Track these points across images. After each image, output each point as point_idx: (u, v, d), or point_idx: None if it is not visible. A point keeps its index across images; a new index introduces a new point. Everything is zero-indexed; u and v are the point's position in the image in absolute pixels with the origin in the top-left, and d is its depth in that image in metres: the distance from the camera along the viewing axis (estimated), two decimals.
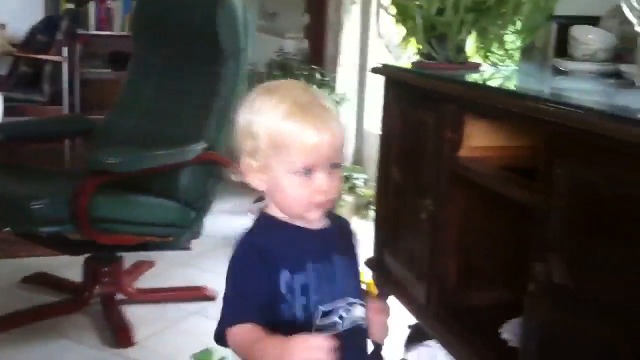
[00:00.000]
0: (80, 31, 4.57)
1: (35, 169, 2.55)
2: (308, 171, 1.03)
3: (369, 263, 2.00)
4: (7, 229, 2.26)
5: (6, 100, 3.27)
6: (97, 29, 5.31)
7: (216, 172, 2.33)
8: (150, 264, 2.66)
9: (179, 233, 2.26)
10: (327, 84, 3.69)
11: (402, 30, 2.17)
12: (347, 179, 3.03)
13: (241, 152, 1.07)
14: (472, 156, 1.55)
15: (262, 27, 5.52)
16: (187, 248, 2.85)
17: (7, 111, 3.24)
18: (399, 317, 1.86)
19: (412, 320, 1.84)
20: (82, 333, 2.18)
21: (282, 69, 3.77)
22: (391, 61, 2.21)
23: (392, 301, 1.89)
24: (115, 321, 2.19)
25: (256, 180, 1.07)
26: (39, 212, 1.93)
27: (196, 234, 2.34)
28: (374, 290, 2.14)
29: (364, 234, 3.04)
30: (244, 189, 3.50)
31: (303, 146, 1.01)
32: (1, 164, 2.38)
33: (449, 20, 1.71)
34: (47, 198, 1.96)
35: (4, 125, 2.47)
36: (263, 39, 5.14)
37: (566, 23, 1.75)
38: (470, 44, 1.84)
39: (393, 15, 2.26)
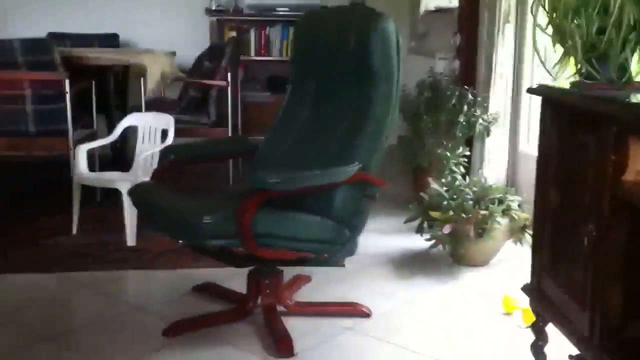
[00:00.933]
0: (242, 57, 4.87)
1: (202, 187, 2.76)
2: None
3: (526, 289, 1.97)
4: (180, 241, 2.48)
5: (176, 122, 3.56)
6: (257, 55, 5.66)
7: (369, 192, 2.40)
8: (307, 279, 2.78)
9: (334, 250, 2.34)
10: (480, 105, 3.67)
11: (560, 50, 2.13)
12: (500, 201, 2.98)
13: None
14: (637, 180, 1.49)
15: (412, 48, 5.59)
16: (342, 265, 2.95)
17: (177, 132, 3.52)
18: (560, 346, 1.81)
19: (574, 350, 1.78)
20: (245, 341, 2.31)
21: (433, 89, 3.80)
22: (548, 81, 2.16)
23: (551, 329, 1.84)
24: (277, 331, 2.29)
25: None
26: (209, 227, 2.09)
27: (351, 252, 2.41)
28: (529, 318, 2.10)
29: (519, 258, 3.00)
30: (395, 209, 3.58)
31: None
32: (174, 182, 2.60)
33: (611, 39, 1.66)
34: (216, 213, 2.11)
35: (176, 146, 2.68)
36: (413, 59, 5.21)
37: None
38: (634, 63, 1.77)
39: (550, 35, 2.22)
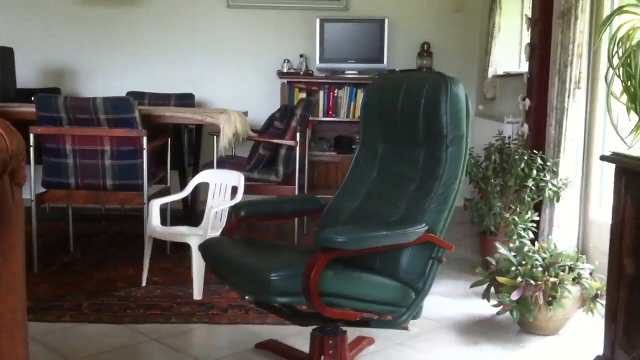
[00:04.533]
0: (310, 117, 4.98)
1: (270, 243, 2.81)
2: None
3: None
4: (247, 297, 2.51)
5: (246, 179, 3.65)
6: (325, 115, 5.79)
7: (436, 254, 2.38)
8: (370, 341, 2.76)
9: (399, 312, 2.32)
10: (549, 169, 3.62)
11: (634, 118, 2.11)
12: (571, 268, 2.91)
13: None
14: None
15: (480, 111, 5.60)
16: (406, 328, 2.92)
17: (246, 189, 3.61)
18: None
19: None
20: None
21: (501, 153, 3.78)
22: (621, 149, 2.14)
23: None
24: None
25: None
26: (276, 284, 2.11)
27: (415, 315, 2.39)
28: None
29: (589, 329, 2.89)
30: (461, 272, 3.54)
31: None
32: (243, 238, 2.65)
33: None
34: (284, 271, 2.13)
35: (246, 203, 2.75)
36: (481, 123, 5.22)
37: None
38: None
39: (625, 103, 2.21)
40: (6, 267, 1.35)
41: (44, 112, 3.63)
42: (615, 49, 2.22)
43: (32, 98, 3.73)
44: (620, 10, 2.33)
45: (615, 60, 2.22)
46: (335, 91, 5.78)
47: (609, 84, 2.12)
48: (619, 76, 2.05)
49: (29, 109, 3.81)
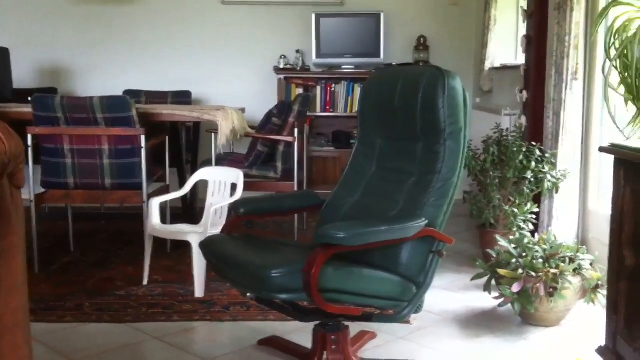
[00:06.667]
0: (308, 113, 4.97)
1: (270, 240, 2.81)
2: None
3: (600, 351, 1.91)
4: (248, 294, 2.52)
5: (245, 176, 3.65)
6: (322, 111, 5.79)
7: (436, 248, 2.39)
8: (372, 335, 2.76)
9: (401, 307, 2.33)
10: (548, 161, 3.63)
11: (632, 109, 2.11)
12: (571, 260, 2.91)
13: None
14: None
15: (477, 104, 5.60)
16: (407, 322, 2.92)
17: (245, 186, 3.61)
18: None
19: None
20: None
21: (499, 145, 3.78)
22: (620, 140, 2.14)
23: None
24: None
25: None
26: (277, 280, 2.11)
27: (417, 309, 2.39)
28: None
29: (590, 319, 2.90)
30: (461, 265, 3.55)
31: None
32: (243, 235, 2.65)
33: None
34: (285, 267, 2.14)
35: (245, 200, 2.74)
36: (479, 115, 5.22)
37: None
38: None
39: (622, 94, 2.21)
40: (7, 268, 1.35)
41: (41, 112, 3.62)
42: (612, 40, 2.22)
43: (29, 98, 3.72)
44: (615, 2, 2.33)
45: (612, 52, 2.22)
46: (333, 86, 5.78)
47: (606, 76, 2.12)
48: (616, 68, 2.06)
49: (26, 109, 3.80)
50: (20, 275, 1.40)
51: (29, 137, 3.61)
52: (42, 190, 3.78)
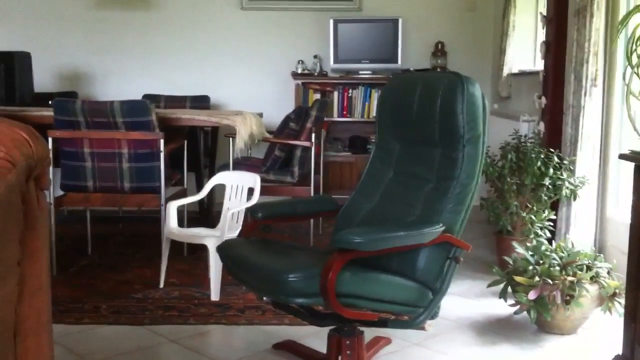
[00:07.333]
0: (325, 118, 4.99)
1: (287, 244, 2.81)
2: None
3: (618, 359, 1.90)
4: (264, 298, 2.53)
5: (262, 181, 3.67)
6: (339, 116, 5.80)
7: (453, 254, 2.38)
8: (387, 341, 2.76)
9: (416, 313, 2.32)
10: (566, 168, 3.61)
11: None
12: (588, 268, 2.89)
13: None
14: None
15: (495, 110, 5.58)
16: (423, 328, 2.92)
17: (262, 190, 3.62)
18: None
19: None
20: None
21: (517, 151, 3.77)
22: (639, 147, 2.13)
23: None
24: None
25: None
26: (294, 285, 2.12)
27: (433, 315, 2.38)
28: None
29: (607, 328, 2.88)
30: (477, 272, 3.54)
31: None
32: (259, 239, 2.66)
33: None
34: (302, 272, 2.14)
35: (263, 204, 2.76)
36: (496, 121, 5.20)
37: None
38: None
39: None
40: (31, 270, 1.38)
41: (62, 116, 3.67)
42: (634, 47, 2.21)
43: (50, 102, 3.76)
44: (637, 9, 2.32)
45: (634, 59, 2.22)
46: (350, 91, 5.79)
47: (628, 83, 2.11)
48: (637, 75, 2.05)
49: (47, 113, 3.85)
50: (44, 278, 1.42)
51: (50, 140, 3.66)
52: (61, 193, 3.83)
